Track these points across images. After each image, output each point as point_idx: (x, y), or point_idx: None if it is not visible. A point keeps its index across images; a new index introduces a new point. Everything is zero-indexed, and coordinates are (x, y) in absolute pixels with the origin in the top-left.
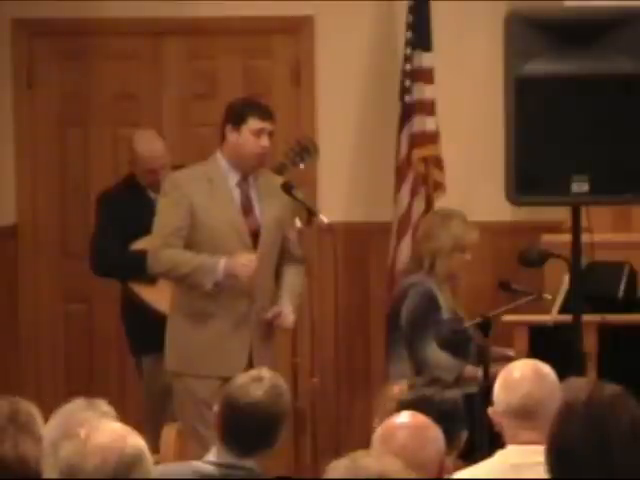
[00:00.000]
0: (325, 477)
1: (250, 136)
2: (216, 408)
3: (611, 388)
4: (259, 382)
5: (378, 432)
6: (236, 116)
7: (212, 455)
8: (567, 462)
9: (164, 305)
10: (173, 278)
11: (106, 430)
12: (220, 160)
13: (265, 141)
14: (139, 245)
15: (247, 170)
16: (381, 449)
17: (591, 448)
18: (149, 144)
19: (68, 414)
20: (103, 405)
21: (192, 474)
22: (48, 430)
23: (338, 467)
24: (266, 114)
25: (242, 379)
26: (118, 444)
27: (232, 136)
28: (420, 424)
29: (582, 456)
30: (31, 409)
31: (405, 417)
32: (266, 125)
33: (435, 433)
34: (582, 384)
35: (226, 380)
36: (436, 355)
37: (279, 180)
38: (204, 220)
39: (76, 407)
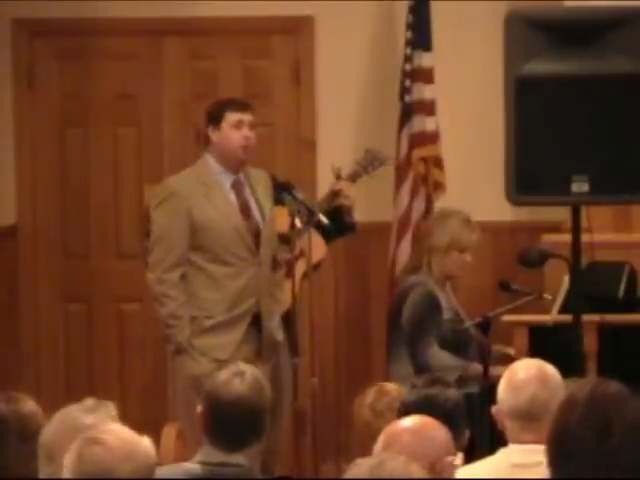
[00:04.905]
0: (347, 474)
1: (231, 130)
2: (200, 408)
3: (613, 385)
4: (241, 376)
5: (382, 436)
6: (214, 116)
7: (201, 455)
8: (566, 450)
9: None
10: (162, 307)
11: (124, 434)
12: (211, 163)
13: (246, 131)
14: None
15: (236, 165)
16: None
17: (591, 434)
18: None
19: (66, 419)
20: (110, 408)
21: (184, 474)
22: (45, 435)
23: (362, 466)
24: (242, 105)
25: (223, 375)
26: (143, 448)
27: (215, 136)
28: (426, 424)
29: (581, 442)
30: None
31: (410, 420)
32: (244, 116)
33: (442, 432)
34: (586, 381)
35: None
36: (438, 357)
37: (265, 175)
38: (206, 224)
39: (77, 411)
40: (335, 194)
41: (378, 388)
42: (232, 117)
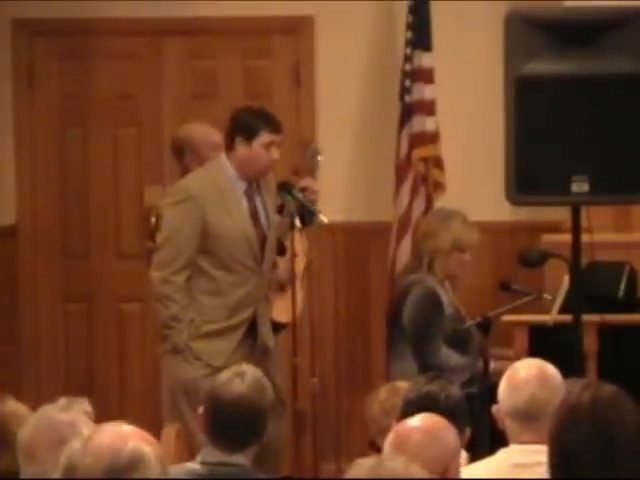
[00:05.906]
0: (348, 474)
1: (261, 150)
2: (201, 409)
3: (610, 389)
4: (242, 377)
5: (391, 435)
6: (248, 129)
7: (202, 455)
8: (572, 464)
9: (283, 316)
10: (165, 309)
11: (109, 431)
12: (228, 167)
13: (275, 154)
14: None
15: (255, 178)
16: (395, 452)
17: (597, 450)
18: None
19: (43, 417)
20: (85, 405)
21: (185, 474)
22: (23, 435)
23: (363, 466)
24: (277, 127)
25: (224, 376)
26: (116, 447)
27: (242, 149)
28: (436, 424)
29: (587, 458)
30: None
31: (418, 420)
32: (277, 138)
33: (451, 432)
34: (581, 385)
35: None
36: (447, 357)
37: (272, 178)
38: (219, 232)
39: (52, 410)
40: (303, 190)
41: (390, 387)
42: (266, 138)
